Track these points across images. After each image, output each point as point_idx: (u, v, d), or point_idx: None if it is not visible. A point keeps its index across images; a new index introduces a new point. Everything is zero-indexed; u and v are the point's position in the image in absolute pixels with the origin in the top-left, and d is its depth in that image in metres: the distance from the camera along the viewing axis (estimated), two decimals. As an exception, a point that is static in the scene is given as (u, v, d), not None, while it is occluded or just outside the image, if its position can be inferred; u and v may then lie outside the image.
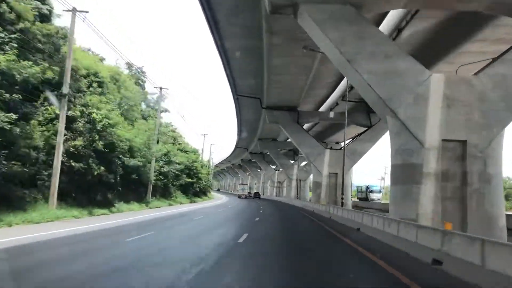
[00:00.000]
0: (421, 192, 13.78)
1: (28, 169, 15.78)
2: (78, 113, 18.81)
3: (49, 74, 17.46)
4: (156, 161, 31.24)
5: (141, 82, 39.61)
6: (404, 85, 14.35)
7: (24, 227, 12.97)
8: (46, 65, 17.50)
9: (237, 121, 55.02)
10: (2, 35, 16.09)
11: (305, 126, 52.55)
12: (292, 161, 70.43)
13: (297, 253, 11.21)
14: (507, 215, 15.76)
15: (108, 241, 11.63)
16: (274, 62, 26.97)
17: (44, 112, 18.19)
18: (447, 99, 14.07)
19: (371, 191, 60.38)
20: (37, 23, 18.34)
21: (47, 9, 19.77)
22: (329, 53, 16.51)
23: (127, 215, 19.85)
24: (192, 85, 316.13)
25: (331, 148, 40.61)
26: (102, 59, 29.48)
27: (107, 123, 19.29)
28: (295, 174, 65.54)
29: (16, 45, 16.21)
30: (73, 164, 18.18)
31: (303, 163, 70.57)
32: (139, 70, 37.65)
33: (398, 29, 20.68)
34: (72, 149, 18.32)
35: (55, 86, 17.79)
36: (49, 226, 13.61)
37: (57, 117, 17.62)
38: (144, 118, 37.17)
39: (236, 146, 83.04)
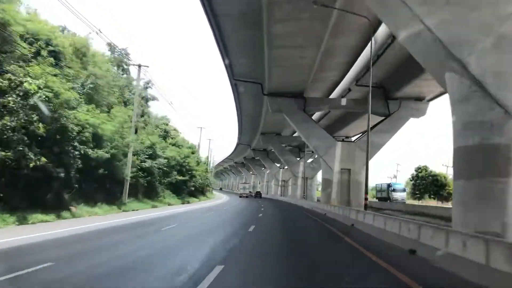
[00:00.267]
0: (510, 189, 8.51)
1: None
2: (6, 83, 13.69)
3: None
4: (135, 154, 26.16)
5: (125, 66, 34.50)
6: (480, 21, 9.04)
7: None
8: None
9: (237, 114, 49.88)
10: None
11: (313, 118, 47.74)
12: (297, 159, 65.16)
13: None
14: None
15: None
16: (276, 30, 21.78)
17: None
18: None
19: (394, 190, 52.81)
20: None
21: None
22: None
23: (68, 224, 14.47)
24: (192, 85, 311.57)
25: (343, 140, 35.35)
26: (63, 29, 24.41)
27: (45, 97, 14.08)
28: (301, 171, 60.31)
29: None
30: (-5, 152, 13.08)
31: (310, 160, 65.60)
32: (122, 52, 32.51)
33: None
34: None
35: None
36: None
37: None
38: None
39: (238, 143, 78.00)
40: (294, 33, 22.34)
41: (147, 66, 24.79)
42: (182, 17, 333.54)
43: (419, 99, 34.64)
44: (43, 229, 12.29)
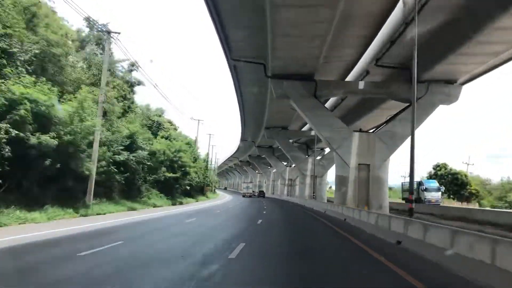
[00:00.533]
0: None
1: None
2: None
3: None
4: (106, 144, 21.15)
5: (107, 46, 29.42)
6: None
7: None
8: None
9: (239, 104, 44.82)
10: None
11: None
12: (306, 156, 59.91)
13: None
14: None
15: None
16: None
17: None
18: None
19: (426, 189, 43.83)
20: None
21: None
22: None
23: None
24: (192, 85, 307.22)
25: (360, 131, 30.04)
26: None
27: None
28: (309, 169, 55.08)
29: None
30: None
31: (318, 157, 60.32)
32: (102, 28, 27.51)
33: None
34: None
35: None
36: None
37: None
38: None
39: (242, 139, 73.00)
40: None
41: (118, 33, 19.67)
42: (182, 12, 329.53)
43: (451, 81, 29.27)
44: None
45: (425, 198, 43.56)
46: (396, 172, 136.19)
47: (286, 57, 25.86)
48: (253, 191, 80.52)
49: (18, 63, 15.05)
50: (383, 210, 28.31)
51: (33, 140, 14.26)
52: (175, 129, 53.28)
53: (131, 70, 30.04)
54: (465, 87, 30.05)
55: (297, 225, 20.08)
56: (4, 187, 13.40)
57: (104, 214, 18.58)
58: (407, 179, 53.45)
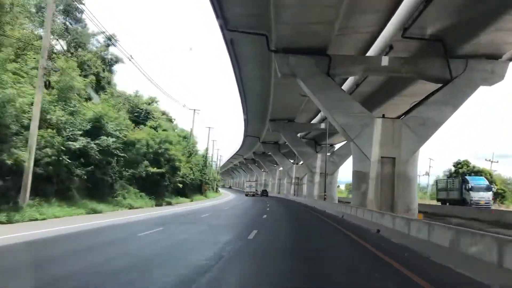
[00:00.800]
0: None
1: None
2: None
3: None
4: (58, 127, 16.10)
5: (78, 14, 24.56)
6: None
7: None
8: None
9: (240, 96, 39.83)
10: None
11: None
12: (314, 151, 54.55)
13: None
14: None
15: None
16: None
17: None
18: None
19: (472, 188, 34.76)
20: None
21: None
22: None
23: None
24: (193, 83, 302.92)
25: (383, 117, 24.71)
26: None
27: None
28: (318, 166, 49.84)
29: None
30: None
31: (328, 154, 54.98)
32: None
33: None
34: None
35: None
36: None
37: None
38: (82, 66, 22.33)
39: (245, 134, 67.91)
40: None
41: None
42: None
43: (495, 56, 23.87)
44: None
45: (471, 200, 35.73)
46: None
47: (293, 22, 20.61)
48: (256, 190, 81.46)
49: None
50: (411, 213, 23.06)
51: None
52: (171, 120, 48.36)
53: (108, 45, 25.00)
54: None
55: (308, 235, 15.01)
56: None
57: (43, 219, 13.50)
58: (428, 176, 47.09)
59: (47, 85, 15.84)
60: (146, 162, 25.31)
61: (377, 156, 23.55)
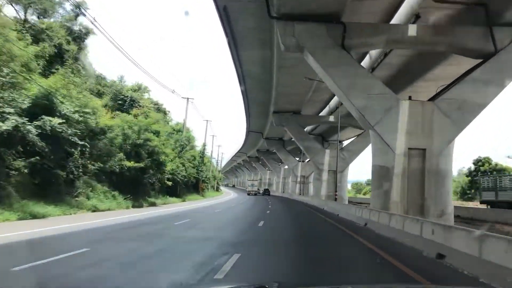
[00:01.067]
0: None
1: None
2: None
3: None
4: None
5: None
6: None
7: None
8: None
9: (239, 79, 35.28)
10: None
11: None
12: (322, 147, 49.85)
13: None
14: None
15: None
16: None
17: None
18: None
19: None
20: None
21: None
22: None
23: None
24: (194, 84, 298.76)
25: (410, 99, 20.07)
26: None
27: None
28: (327, 163, 45.26)
29: None
30: None
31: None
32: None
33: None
34: None
35: None
36: None
37: None
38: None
39: (248, 130, 63.54)
40: None
41: None
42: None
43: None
44: None
45: None
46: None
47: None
48: (258, 189, 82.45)
49: None
50: (445, 218, 18.50)
51: None
52: (165, 112, 44.02)
53: (77, 15, 20.60)
54: None
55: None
56: None
57: None
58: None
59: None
60: (121, 155, 20.90)
61: (403, 147, 18.99)
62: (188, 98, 40.58)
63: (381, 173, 19.62)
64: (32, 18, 19.89)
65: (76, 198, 16.82)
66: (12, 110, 12.85)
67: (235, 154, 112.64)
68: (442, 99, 19.49)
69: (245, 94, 39.29)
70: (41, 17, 19.87)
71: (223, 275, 6.60)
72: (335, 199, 31.07)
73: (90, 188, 17.90)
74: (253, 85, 36.14)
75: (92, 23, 23.34)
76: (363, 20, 21.08)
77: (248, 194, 74.51)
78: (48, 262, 7.06)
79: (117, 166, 20.28)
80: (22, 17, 19.84)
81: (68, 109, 15.65)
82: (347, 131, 50.99)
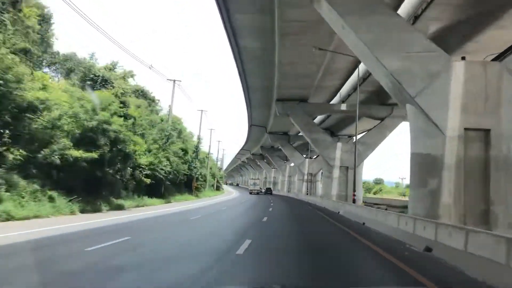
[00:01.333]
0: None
1: None
2: None
3: None
4: None
5: None
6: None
7: None
8: None
9: (235, 58, 29.62)
10: None
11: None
12: (332, 139, 43.90)
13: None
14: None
15: None
16: None
17: None
18: None
19: None
20: None
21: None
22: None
23: None
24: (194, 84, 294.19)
25: (463, 59, 14.28)
26: None
27: None
28: (338, 157, 39.49)
29: None
30: None
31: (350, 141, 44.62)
32: None
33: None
34: None
35: None
36: None
37: None
38: None
39: (250, 123, 58.11)
40: None
41: None
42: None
43: None
44: None
45: None
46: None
47: None
48: (260, 188, 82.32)
49: None
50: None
51: None
52: (152, 100, 38.53)
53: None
54: None
55: None
56: None
57: None
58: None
59: None
60: (64, 140, 15.30)
61: (458, 127, 13.23)
62: (174, 80, 34.95)
63: (425, 165, 13.82)
64: None
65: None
66: None
67: (239, 152, 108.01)
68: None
69: (243, 77, 33.60)
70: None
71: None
72: (353, 201, 25.05)
73: (4, 187, 12.38)
74: (252, 66, 30.48)
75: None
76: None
77: (250, 193, 74.53)
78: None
79: (57, 156, 14.74)
80: None
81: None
82: (362, 122, 45.20)
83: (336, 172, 39.21)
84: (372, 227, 16.10)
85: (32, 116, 13.79)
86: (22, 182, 13.19)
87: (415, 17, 17.68)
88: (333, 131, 54.47)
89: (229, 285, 6.37)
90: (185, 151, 36.28)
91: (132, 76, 35.39)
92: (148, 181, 24.38)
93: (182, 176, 33.65)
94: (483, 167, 13.17)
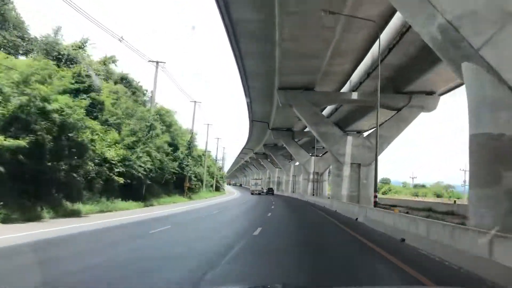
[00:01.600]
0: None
1: None
2: None
3: None
4: None
5: None
6: None
7: None
8: None
9: (229, 38, 25.16)
10: None
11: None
12: (342, 133, 39.21)
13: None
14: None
15: None
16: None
17: None
18: None
19: None
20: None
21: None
22: None
23: None
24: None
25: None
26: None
27: None
28: (348, 154, 34.92)
29: None
30: None
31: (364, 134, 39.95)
32: None
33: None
34: None
35: None
36: None
37: None
38: None
39: (252, 119, 53.87)
40: None
41: None
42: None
43: None
44: None
45: None
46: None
47: None
48: (262, 188, 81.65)
49: None
50: None
51: None
52: (137, 89, 34.17)
53: None
54: None
55: None
56: None
57: None
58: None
59: None
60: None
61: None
62: (157, 62, 30.33)
63: (497, 151, 9.21)
64: None
65: None
66: None
67: (242, 151, 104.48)
68: None
69: (239, 60, 29.09)
70: None
71: None
72: (375, 204, 19.78)
73: None
74: (249, 45, 26.05)
75: None
76: None
77: (252, 193, 74.71)
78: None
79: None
80: None
81: None
82: (370, 116, 40.59)
83: (346, 170, 34.58)
84: (421, 249, 10.04)
85: None
86: None
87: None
88: (341, 126, 49.88)
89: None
90: (174, 146, 31.81)
91: (114, 61, 31.10)
92: (121, 180, 19.92)
93: (169, 175, 29.14)
94: None
